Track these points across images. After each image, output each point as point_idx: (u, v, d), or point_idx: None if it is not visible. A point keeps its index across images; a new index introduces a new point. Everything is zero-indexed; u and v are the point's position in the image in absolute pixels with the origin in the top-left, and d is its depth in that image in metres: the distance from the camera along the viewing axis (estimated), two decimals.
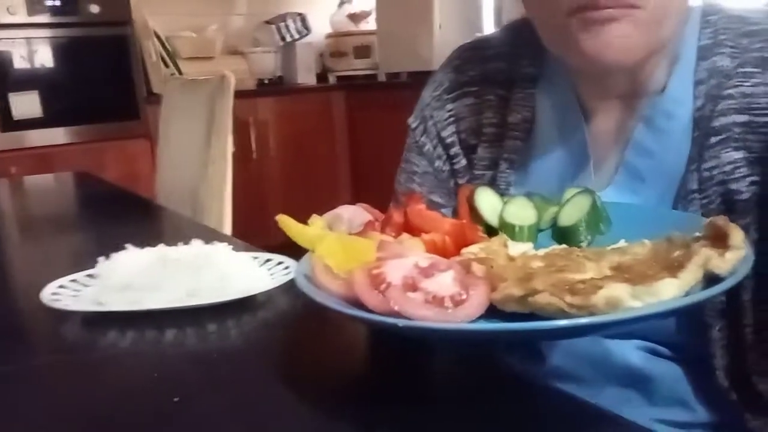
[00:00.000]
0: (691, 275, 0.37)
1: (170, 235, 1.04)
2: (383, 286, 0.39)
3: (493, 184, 0.70)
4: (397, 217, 0.56)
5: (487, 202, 0.59)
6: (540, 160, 0.69)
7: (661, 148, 0.63)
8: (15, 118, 2.76)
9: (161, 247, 0.73)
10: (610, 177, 0.65)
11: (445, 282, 0.40)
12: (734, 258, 0.38)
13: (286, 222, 0.52)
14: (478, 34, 2.94)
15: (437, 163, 0.76)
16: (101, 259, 0.71)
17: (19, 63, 2.78)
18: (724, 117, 0.59)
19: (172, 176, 1.73)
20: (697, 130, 0.60)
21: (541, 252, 0.47)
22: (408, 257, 0.42)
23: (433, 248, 0.47)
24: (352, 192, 3.57)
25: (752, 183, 0.58)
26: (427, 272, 0.40)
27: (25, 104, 2.78)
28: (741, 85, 0.59)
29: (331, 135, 3.48)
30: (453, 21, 2.90)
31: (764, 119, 0.58)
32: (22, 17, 2.73)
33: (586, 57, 0.57)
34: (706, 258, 0.38)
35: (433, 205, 0.76)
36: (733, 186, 0.58)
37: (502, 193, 0.69)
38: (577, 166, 0.67)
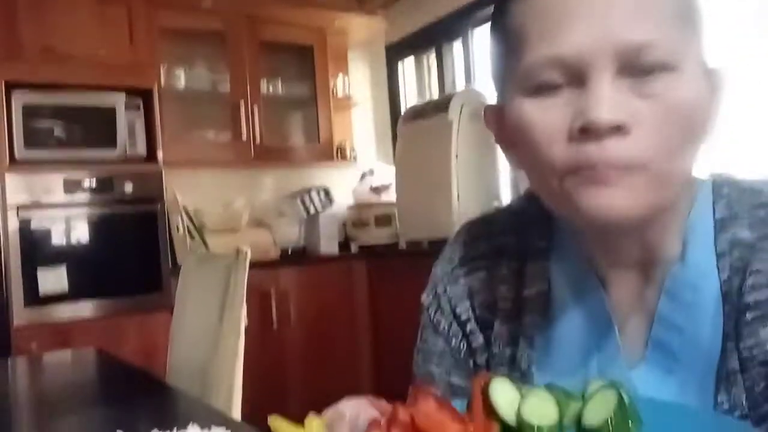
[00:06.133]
0: None
1: (172, 417, 1.00)
2: None
3: (513, 362, 0.66)
4: (402, 415, 0.52)
5: (504, 395, 0.54)
6: (561, 335, 0.65)
7: (691, 324, 0.58)
8: (40, 294, 2.78)
9: None
10: (638, 352, 0.61)
11: None
12: None
13: (278, 425, 0.48)
14: (496, 203, 3.00)
15: (454, 342, 0.72)
16: None
17: (53, 239, 2.86)
18: (756, 292, 0.55)
19: (185, 351, 1.69)
20: (727, 304, 0.56)
21: None
22: None
23: None
24: (373, 362, 3.46)
25: None
26: None
27: (53, 279, 2.81)
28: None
29: (352, 304, 3.46)
30: (471, 191, 2.97)
31: None
32: (59, 197, 2.86)
33: (587, 217, 0.54)
34: None
35: (452, 389, 0.71)
36: None
37: (524, 373, 0.65)
38: (600, 339, 0.62)
